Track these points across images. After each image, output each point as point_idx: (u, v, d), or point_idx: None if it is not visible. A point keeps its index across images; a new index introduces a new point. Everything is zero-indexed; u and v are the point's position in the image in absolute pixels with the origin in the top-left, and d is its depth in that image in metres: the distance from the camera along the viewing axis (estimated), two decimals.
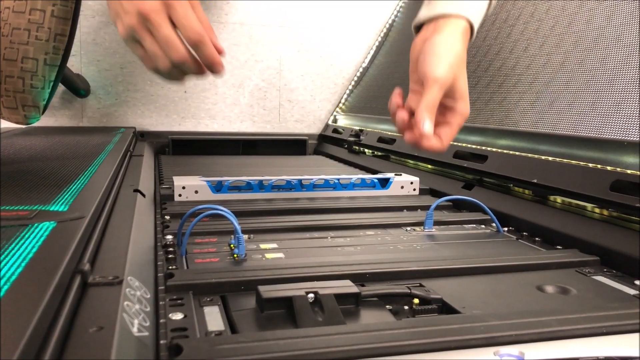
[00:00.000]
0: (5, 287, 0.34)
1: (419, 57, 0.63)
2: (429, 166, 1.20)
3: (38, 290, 0.34)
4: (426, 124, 0.59)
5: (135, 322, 0.38)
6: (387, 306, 0.49)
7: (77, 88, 1.68)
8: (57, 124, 1.72)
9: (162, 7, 0.56)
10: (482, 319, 0.43)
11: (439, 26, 0.64)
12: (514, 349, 0.39)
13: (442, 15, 0.65)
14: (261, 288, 0.47)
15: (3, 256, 0.40)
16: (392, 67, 1.75)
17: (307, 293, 0.46)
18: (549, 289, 0.54)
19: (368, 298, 0.50)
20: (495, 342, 0.40)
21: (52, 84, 0.94)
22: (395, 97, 0.65)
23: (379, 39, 1.96)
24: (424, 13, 0.68)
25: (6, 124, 1.18)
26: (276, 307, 0.46)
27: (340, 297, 0.46)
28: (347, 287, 0.48)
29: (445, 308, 0.49)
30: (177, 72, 0.59)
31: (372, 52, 1.95)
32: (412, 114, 0.64)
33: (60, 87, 1.65)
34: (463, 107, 0.62)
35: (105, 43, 1.73)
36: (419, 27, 0.69)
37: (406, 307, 0.49)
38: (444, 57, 0.60)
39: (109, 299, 0.39)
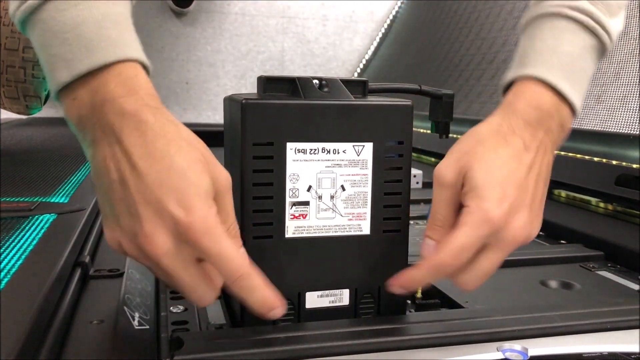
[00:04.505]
0: (6, 280, 0.34)
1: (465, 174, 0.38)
2: (432, 159, 1.19)
3: (38, 283, 0.34)
4: None
5: (136, 315, 0.37)
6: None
7: None
8: (59, 115, 1.72)
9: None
10: (485, 313, 0.43)
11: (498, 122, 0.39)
12: (517, 344, 0.39)
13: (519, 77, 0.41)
14: None
15: (3, 248, 0.40)
16: (396, 58, 1.74)
17: None
18: (553, 284, 0.54)
19: None
20: (498, 337, 0.39)
21: None
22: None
23: (383, 30, 1.95)
24: (515, 70, 0.42)
25: (7, 115, 1.18)
26: None
27: None
28: None
29: (448, 302, 0.49)
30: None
31: (375, 44, 1.94)
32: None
33: None
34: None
35: None
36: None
37: (409, 302, 0.49)
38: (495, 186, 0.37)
39: (110, 291, 0.39)
